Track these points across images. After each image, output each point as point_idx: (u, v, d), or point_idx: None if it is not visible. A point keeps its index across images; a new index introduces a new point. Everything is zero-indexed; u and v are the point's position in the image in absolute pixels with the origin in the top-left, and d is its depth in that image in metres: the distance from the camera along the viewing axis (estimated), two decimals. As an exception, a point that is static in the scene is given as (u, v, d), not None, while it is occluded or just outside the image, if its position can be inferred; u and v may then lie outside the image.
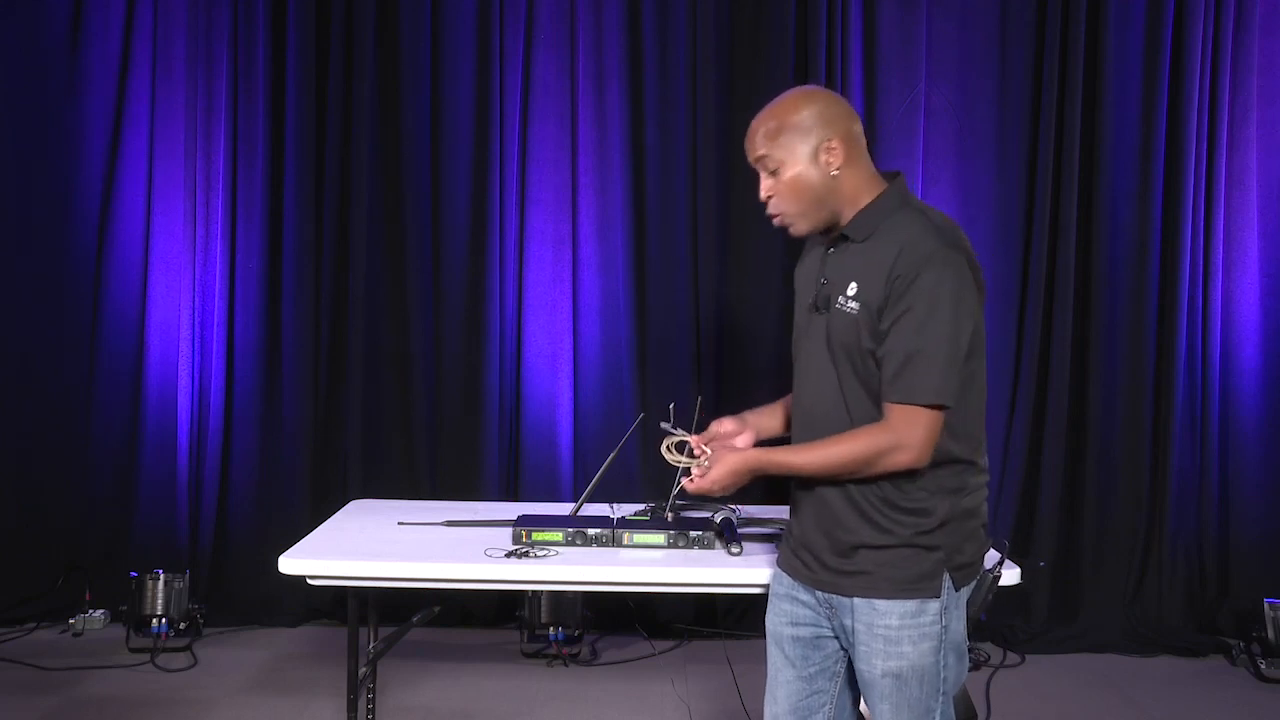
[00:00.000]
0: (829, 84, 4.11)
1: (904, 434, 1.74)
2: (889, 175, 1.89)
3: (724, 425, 2.11)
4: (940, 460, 1.79)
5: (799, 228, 1.88)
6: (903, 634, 1.79)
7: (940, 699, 1.82)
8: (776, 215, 1.88)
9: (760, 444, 2.09)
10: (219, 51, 4.19)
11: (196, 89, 4.20)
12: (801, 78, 4.13)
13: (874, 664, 1.81)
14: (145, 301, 4.21)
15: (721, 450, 1.96)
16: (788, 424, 2.09)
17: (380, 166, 4.24)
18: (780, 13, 4.13)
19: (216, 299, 4.22)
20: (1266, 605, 3.81)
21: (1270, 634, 3.78)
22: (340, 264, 4.26)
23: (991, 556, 1.93)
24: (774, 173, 1.85)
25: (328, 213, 4.24)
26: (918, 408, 1.73)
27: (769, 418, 2.14)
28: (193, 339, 4.21)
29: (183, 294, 4.22)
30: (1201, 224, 4.10)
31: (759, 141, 1.86)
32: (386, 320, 4.25)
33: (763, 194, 1.88)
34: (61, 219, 4.21)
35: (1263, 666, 3.78)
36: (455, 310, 4.23)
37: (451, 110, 4.21)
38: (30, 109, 4.18)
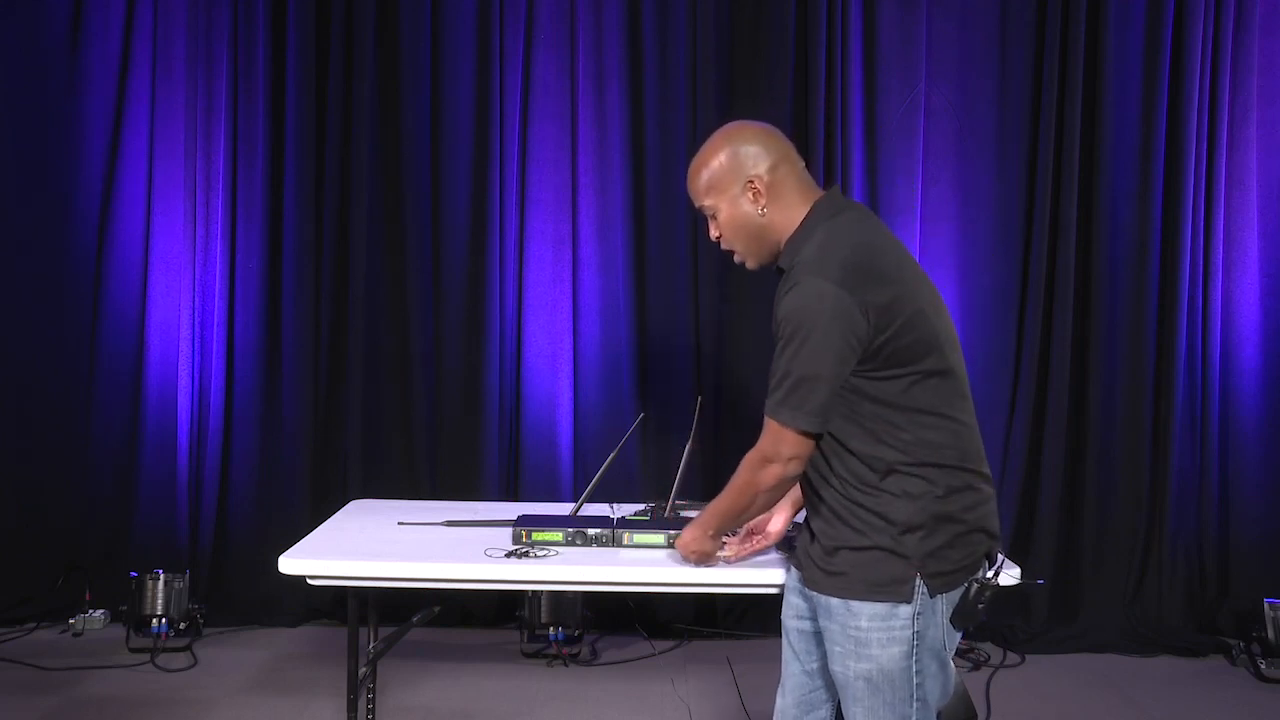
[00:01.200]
0: (829, 84, 4.12)
1: (769, 448, 1.86)
2: (822, 194, 1.93)
3: (756, 520, 2.25)
4: (894, 466, 1.80)
5: (750, 265, 1.99)
6: (871, 636, 1.80)
7: (915, 706, 1.82)
8: (734, 256, 1.99)
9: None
10: (219, 51, 4.19)
11: (196, 89, 4.21)
12: (801, 78, 4.13)
13: (847, 665, 1.83)
14: (145, 301, 4.22)
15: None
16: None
17: (380, 166, 4.24)
18: (780, 13, 4.13)
19: (216, 299, 4.22)
20: (1266, 605, 3.81)
21: (1270, 634, 3.78)
22: (340, 264, 4.26)
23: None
24: (712, 216, 1.95)
25: (328, 213, 4.24)
26: (778, 424, 1.82)
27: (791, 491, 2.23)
28: (193, 339, 4.21)
29: (183, 294, 4.22)
30: (1201, 224, 4.10)
31: (695, 192, 1.96)
32: (386, 320, 4.25)
33: (712, 237, 1.99)
34: (61, 219, 4.21)
35: (1263, 666, 3.78)
36: (455, 310, 4.23)
37: (451, 110, 4.21)
38: (30, 109, 4.18)
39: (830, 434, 1.83)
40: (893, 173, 4.16)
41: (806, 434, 1.81)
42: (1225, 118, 4.06)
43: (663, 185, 4.19)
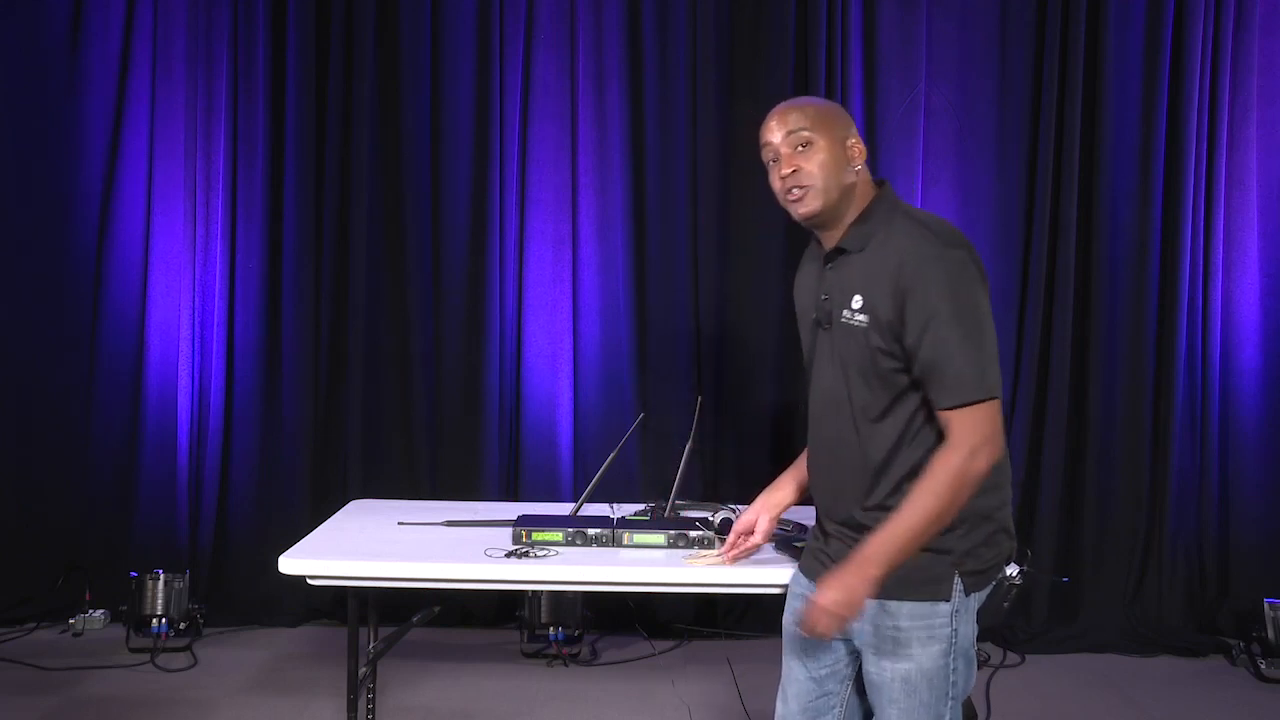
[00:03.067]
0: (829, 84, 4.12)
1: (972, 437, 1.72)
2: (877, 184, 1.91)
3: (743, 521, 2.20)
4: None
5: (812, 206, 1.84)
6: (911, 635, 1.78)
7: (949, 704, 1.81)
8: (798, 191, 1.84)
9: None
10: (219, 51, 4.19)
11: (196, 89, 4.21)
12: (801, 78, 4.13)
13: (882, 666, 1.81)
14: (145, 301, 4.21)
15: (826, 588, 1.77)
16: (800, 489, 2.13)
17: (380, 166, 4.24)
18: (780, 13, 4.13)
19: (216, 299, 4.22)
20: (1266, 605, 3.81)
21: (1270, 634, 3.78)
22: (340, 264, 4.26)
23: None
24: (805, 146, 1.83)
25: (328, 213, 4.24)
26: (976, 406, 1.73)
27: (781, 491, 2.17)
28: (193, 339, 4.21)
29: (183, 294, 4.22)
30: (1201, 224, 4.10)
31: (797, 116, 1.85)
32: (386, 320, 4.25)
33: (786, 168, 1.84)
34: (61, 219, 4.21)
35: (1263, 666, 3.78)
36: (455, 310, 4.23)
37: (451, 110, 4.21)
38: (30, 109, 4.18)
39: (886, 431, 1.80)
40: (893, 173, 4.15)
41: (996, 399, 1.75)
42: (1225, 118, 4.06)
43: (663, 185, 4.19)
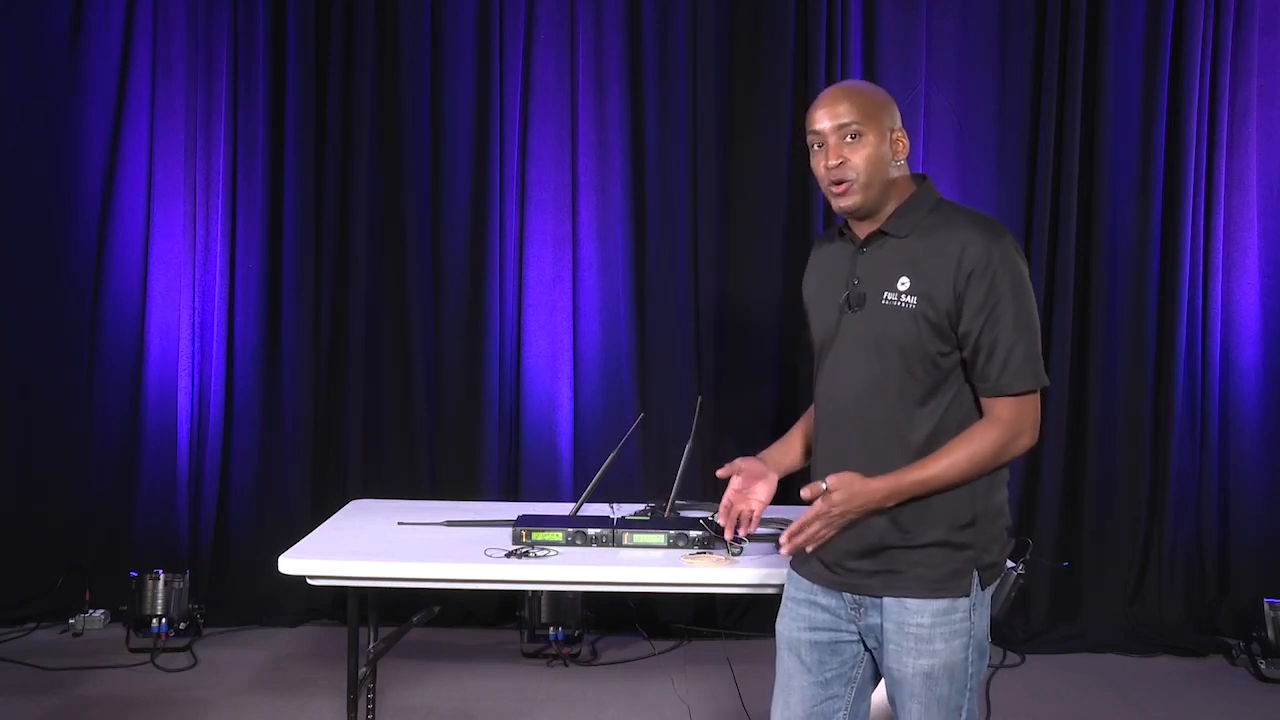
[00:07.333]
0: (829, 84, 4.10)
1: (1019, 422, 1.78)
2: (917, 178, 1.92)
3: (744, 465, 2.03)
4: None
5: (854, 200, 1.84)
6: (935, 632, 1.80)
7: (968, 695, 1.83)
8: (843, 183, 1.84)
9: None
10: (219, 51, 4.19)
11: (196, 89, 4.21)
12: (801, 78, 4.13)
13: (905, 662, 1.81)
14: (145, 301, 4.21)
15: (847, 481, 1.79)
16: (806, 453, 2.08)
17: (380, 166, 4.24)
18: (780, 13, 4.13)
19: (216, 299, 4.22)
20: (1266, 605, 3.81)
21: (1270, 634, 3.78)
22: (340, 264, 4.26)
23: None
24: (853, 139, 1.83)
25: (328, 213, 4.24)
26: (1027, 395, 1.78)
27: (785, 453, 2.11)
28: (193, 339, 4.21)
29: (183, 294, 4.22)
30: (1201, 224, 4.10)
31: (848, 107, 1.84)
32: (386, 320, 4.25)
33: (833, 159, 1.83)
34: (61, 219, 4.21)
35: (1263, 666, 3.78)
36: (455, 310, 4.23)
37: (451, 110, 4.21)
38: (30, 109, 4.18)
39: (927, 415, 1.80)
40: (893, 173, 4.15)
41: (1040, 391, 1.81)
42: (1225, 118, 4.06)
43: (663, 185, 4.19)
